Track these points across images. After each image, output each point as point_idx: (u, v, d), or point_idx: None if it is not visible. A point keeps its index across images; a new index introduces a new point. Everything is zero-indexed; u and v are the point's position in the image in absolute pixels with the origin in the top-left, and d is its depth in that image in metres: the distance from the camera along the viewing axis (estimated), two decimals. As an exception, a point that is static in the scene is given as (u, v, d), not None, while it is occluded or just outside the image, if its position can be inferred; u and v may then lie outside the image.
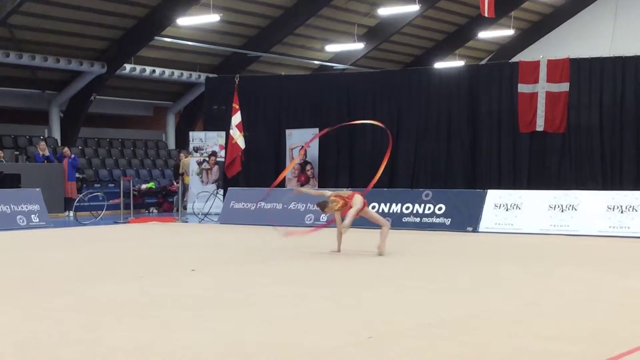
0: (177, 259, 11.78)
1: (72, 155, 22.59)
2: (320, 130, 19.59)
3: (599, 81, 16.97)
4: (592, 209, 15.25)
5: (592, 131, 17.01)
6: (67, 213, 21.81)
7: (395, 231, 15.74)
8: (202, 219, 19.67)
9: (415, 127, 18.76)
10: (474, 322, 6.84)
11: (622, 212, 14.96)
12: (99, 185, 24.68)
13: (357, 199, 11.94)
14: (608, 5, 32.63)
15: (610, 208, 15.11)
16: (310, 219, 17.52)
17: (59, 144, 25.88)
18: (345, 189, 14.01)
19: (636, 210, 14.87)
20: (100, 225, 18.75)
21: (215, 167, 21.54)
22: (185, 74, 28.32)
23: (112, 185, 24.65)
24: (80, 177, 23.92)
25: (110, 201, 20.98)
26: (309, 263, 11.26)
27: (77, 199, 20.81)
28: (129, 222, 19.37)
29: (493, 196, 16.32)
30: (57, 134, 26.79)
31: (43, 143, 23.05)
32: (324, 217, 17.38)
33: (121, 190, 20.58)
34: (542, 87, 17.21)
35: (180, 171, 22.99)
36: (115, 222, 19.28)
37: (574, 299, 8.05)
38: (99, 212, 20.15)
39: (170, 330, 6.52)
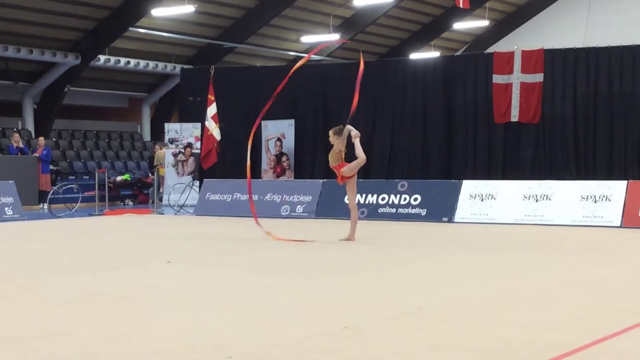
0: (152, 251, 11.76)
1: (44, 150, 22.30)
2: (296, 122, 19.62)
3: (572, 72, 17.08)
4: (566, 199, 15.36)
5: (566, 122, 17.12)
6: (41, 205, 21.66)
7: (371, 222, 15.82)
8: (178, 211, 19.62)
9: (390, 118, 18.79)
10: (451, 311, 6.88)
11: (595, 201, 15.09)
12: (73, 177, 24.52)
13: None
14: (582, -4, 32.84)
15: (584, 198, 15.23)
16: (286, 210, 17.52)
17: (33, 136, 25.70)
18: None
19: (609, 200, 15.00)
20: (75, 218, 18.65)
21: (191, 159, 21.48)
22: (160, 65, 28.20)
23: (87, 177, 24.52)
24: (55, 169, 23.76)
25: (85, 193, 20.87)
26: (285, 253, 11.28)
27: (52, 191, 20.68)
28: (104, 214, 19.28)
29: (468, 186, 16.40)
30: (30, 126, 26.59)
31: (17, 135, 22.86)
32: (299, 209, 17.40)
33: (96, 182, 20.47)
34: (517, 78, 17.29)
35: (155, 163, 22.91)
36: (90, 214, 19.19)
37: (549, 287, 8.13)
38: (74, 204, 20.03)
39: (146, 321, 6.51)
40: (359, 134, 12.43)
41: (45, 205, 20.87)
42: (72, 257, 11.07)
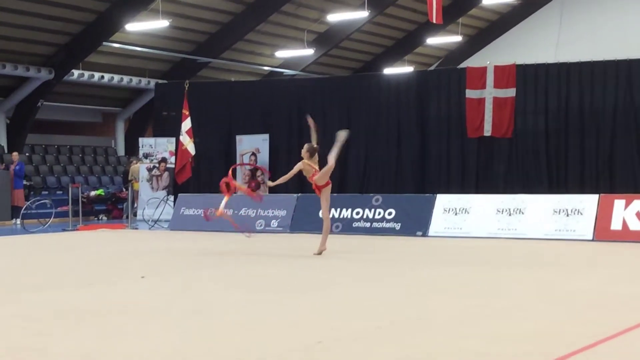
0: (126, 266, 11.71)
1: (17, 165, 22.16)
2: (270, 136, 19.64)
3: (544, 87, 17.24)
4: (538, 213, 15.48)
5: (538, 136, 17.27)
6: (14, 221, 21.50)
7: (346, 236, 15.86)
8: (152, 226, 19.55)
9: (365, 133, 18.85)
10: (423, 324, 6.93)
11: (567, 215, 15.22)
12: (46, 192, 24.36)
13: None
14: (553, 13, 33.21)
15: (556, 211, 15.35)
16: (261, 225, 17.52)
17: (5, 151, 25.51)
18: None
19: (581, 214, 15.13)
20: (48, 233, 18.52)
21: (166, 174, 21.43)
22: (135, 79, 28.11)
23: (61, 192, 24.36)
24: (28, 184, 23.60)
25: (59, 208, 20.73)
26: (258, 268, 11.28)
27: (25, 206, 20.53)
28: (77, 230, 19.17)
29: (442, 201, 16.48)
30: (3, 141, 26.39)
31: (-11, 150, 22.71)
32: (274, 223, 17.41)
33: (69, 197, 20.35)
34: (489, 93, 17.43)
35: (130, 178, 22.82)
36: (64, 230, 19.06)
37: (521, 301, 8.19)
38: (47, 219, 19.89)
39: (119, 338, 6.49)
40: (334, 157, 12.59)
41: (18, 221, 20.71)
42: (45, 272, 11.01)
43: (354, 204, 17.14)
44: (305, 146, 12.77)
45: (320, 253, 12.46)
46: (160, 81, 25.77)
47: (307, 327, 6.86)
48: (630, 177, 16.46)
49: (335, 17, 28.01)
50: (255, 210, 17.72)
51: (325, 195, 12.63)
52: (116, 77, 27.42)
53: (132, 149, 28.70)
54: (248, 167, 19.87)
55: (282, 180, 12.89)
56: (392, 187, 18.24)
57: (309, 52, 29.95)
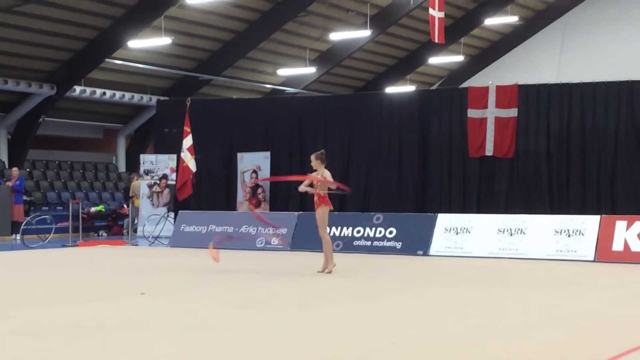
0: (126, 283, 11.68)
1: (17, 181, 22.15)
2: (271, 154, 19.65)
3: (546, 107, 17.26)
4: (540, 233, 15.44)
5: (540, 156, 17.27)
6: (14, 236, 21.45)
7: (346, 255, 15.81)
8: (153, 242, 19.51)
9: (366, 151, 18.87)
10: (424, 345, 6.89)
11: (569, 235, 15.19)
12: (47, 208, 24.33)
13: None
14: (555, 34, 33.33)
15: (557, 232, 15.32)
16: (262, 243, 17.48)
17: (7, 166, 25.51)
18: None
19: (582, 234, 15.10)
20: (48, 249, 18.47)
21: (166, 190, 21.40)
22: (136, 96, 28.16)
23: (61, 208, 24.34)
24: (28, 199, 23.59)
25: (59, 224, 20.68)
26: (258, 285, 11.24)
27: (25, 221, 20.49)
28: (77, 245, 19.13)
29: (443, 220, 16.45)
30: (4, 156, 26.41)
31: (-10, 165, 22.70)
32: (275, 241, 17.37)
33: (70, 213, 20.33)
34: (491, 113, 17.45)
35: (131, 194, 22.81)
36: (64, 245, 19.02)
37: (523, 322, 8.15)
38: (47, 235, 19.84)
39: (118, 353, 6.46)
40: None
41: (18, 236, 20.67)
42: (45, 288, 10.97)
43: (354, 222, 17.10)
44: (312, 156, 12.59)
45: (330, 271, 12.42)
46: (162, 98, 25.81)
47: (307, 345, 6.82)
48: (632, 197, 16.45)
49: (337, 35, 28.12)
50: (256, 228, 17.69)
51: (318, 216, 12.54)
52: (118, 94, 27.47)
53: (133, 166, 28.71)
54: (249, 185, 19.84)
55: (304, 187, 12.66)
56: (393, 205, 18.20)
57: (311, 70, 30.03)
